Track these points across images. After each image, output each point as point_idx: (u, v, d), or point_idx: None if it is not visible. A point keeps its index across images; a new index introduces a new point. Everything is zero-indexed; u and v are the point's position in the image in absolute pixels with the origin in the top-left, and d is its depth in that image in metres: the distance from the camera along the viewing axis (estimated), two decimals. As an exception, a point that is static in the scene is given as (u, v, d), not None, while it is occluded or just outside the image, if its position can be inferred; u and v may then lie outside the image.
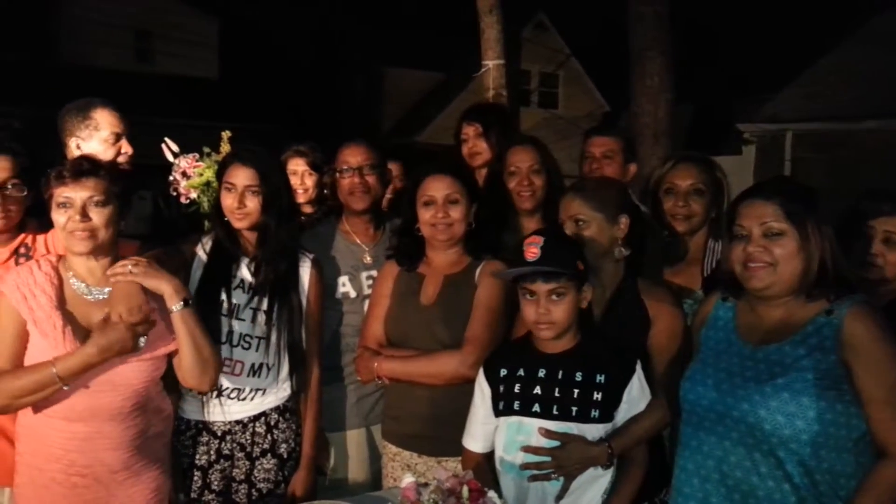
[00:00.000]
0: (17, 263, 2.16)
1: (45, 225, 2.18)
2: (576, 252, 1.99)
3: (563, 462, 1.92)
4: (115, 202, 2.02)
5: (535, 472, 1.94)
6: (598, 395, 1.95)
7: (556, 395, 1.96)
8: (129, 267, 1.97)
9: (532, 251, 1.93)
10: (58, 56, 14.40)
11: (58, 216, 1.98)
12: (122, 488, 2.05)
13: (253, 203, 2.27)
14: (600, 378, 1.96)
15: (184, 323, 2.01)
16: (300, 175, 3.07)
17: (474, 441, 2.09)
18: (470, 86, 15.20)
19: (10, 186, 2.11)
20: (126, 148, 2.64)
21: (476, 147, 3.01)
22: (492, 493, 1.69)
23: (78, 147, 2.60)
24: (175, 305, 2.00)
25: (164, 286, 2.00)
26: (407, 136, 15.76)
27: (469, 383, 2.15)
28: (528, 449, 1.95)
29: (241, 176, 2.28)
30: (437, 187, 2.30)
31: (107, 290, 2.04)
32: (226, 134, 4.15)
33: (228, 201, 2.29)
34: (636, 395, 2.00)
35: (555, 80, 17.17)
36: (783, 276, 1.76)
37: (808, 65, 12.19)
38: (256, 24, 17.23)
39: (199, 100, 13.88)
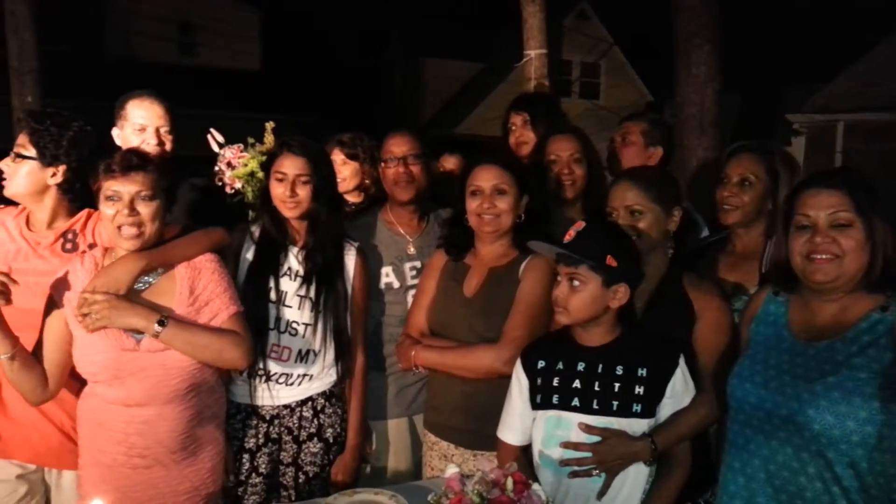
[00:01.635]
0: (63, 249, 2.22)
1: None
2: (610, 247, 1.92)
3: (605, 458, 1.90)
4: (161, 197, 2.05)
5: (576, 468, 1.92)
6: (639, 390, 1.92)
7: (596, 389, 1.93)
8: (96, 305, 1.96)
9: (569, 234, 1.92)
10: (103, 49, 14.73)
11: (106, 209, 2.02)
12: (179, 468, 2.10)
13: (304, 192, 2.31)
14: (642, 372, 1.93)
15: (171, 340, 2.00)
16: (336, 165, 3.09)
17: (511, 433, 2.08)
18: (510, 76, 15.16)
19: None
20: (151, 139, 2.64)
21: (523, 136, 3.01)
22: (536, 486, 1.68)
23: (117, 136, 2.68)
24: (152, 332, 1.98)
25: (133, 320, 1.98)
26: (446, 127, 15.75)
27: (505, 379, 2.15)
28: (567, 444, 1.93)
29: (292, 165, 2.31)
30: (485, 177, 2.28)
31: (149, 279, 2.08)
32: (269, 125, 4.20)
33: (279, 190, 2.32)
34: (680, 390, 1.96)
35: (596, 69, 16.95)
36: (849, 269, 1.70)
37: (861, 53, 11.80)
38: (297, 17, 17.36)
39: (241, 91, 14.07)
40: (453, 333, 2.31)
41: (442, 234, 2.50)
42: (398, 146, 2.63)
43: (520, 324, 2.20)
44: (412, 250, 2.67)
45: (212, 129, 3.12)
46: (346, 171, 3.09)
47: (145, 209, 2.01)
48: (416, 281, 2.59)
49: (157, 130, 2.63)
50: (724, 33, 6.14)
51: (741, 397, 1.83)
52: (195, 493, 2.14)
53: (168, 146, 2.68)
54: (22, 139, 2.16)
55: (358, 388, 2.48)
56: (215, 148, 3.33)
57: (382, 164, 2.67)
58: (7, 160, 2.15)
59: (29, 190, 2.18)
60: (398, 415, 2.65)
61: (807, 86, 12.16)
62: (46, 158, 2.15)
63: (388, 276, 2.64)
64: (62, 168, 2.18)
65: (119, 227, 2.00)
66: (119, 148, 2.55)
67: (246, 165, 3.84)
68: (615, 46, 16.65)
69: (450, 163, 3.48)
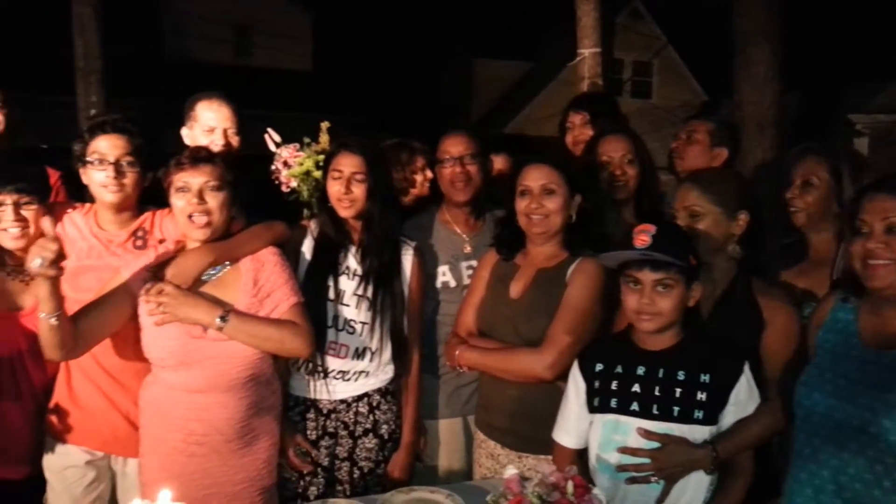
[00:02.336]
0: (134, 246, 2.29)
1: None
2: (688, 245, 1.92)
3: (664, 465, 1.86)
4: (228, 189, 2.13)
5: (634, 474, 1.89)
6: (702, 396, 1.88)
7: (657, 393, 1.90)
8: (164, 297, 2.04)
9: (642, 238, 1.86)
10: (162, 50, 15.12)
11: (176, 200, 2.11)
12: (235, 457, 2.15)
13: (359, 190, 2.33)
14: (705, 378, 1.89)
15: (234, 333, 2.08)
16: None
17: (567, 436, 2.06)
18: (559, 75, 15.04)
19: (124, 164, 2.20)
20: (219, 140, 2.70)
21: (582, 135, 2.98)
22: (597, 490, 1.66)
23: (186, 136, 2.74)
24: (214, 326, 2.06)
25: (196, 315, 2.06)
26: (494, 127, 15.69)
27: (548, 384, 2.15)
28: (625, 450, 1.90)
29: (348, 163, 2.34)
30: (534, 176, 2.26)
31: (215, 272, 2.16)
32: (325, 125, 4.26)
33: (335, 188, 2.35)
34: (744, 398, 1.91)
35: (649, 68, 16.68)
36: None
37: (928, 51, 11.35)
38: (348, 18, 17.55)
39: (293, 92, 14.28)
40: (498, 334, 2.30)
41: (494, 233, 2.49)
42: (454, 146, 2.62)
43: (564, 328, 2.16)
44: (468, 249, 2.67)
45: (269, 129, 3.18)
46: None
47: (213, 199, 2.10)
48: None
49: (225, 132, 2.70)
50: (784, 31, 5.99)
51: (809, 406, 1.78)
52: (250, 484, 2.18)
53: (235, 146, 2.74)
54: (121, 146, 2.21)
55: (413, 386, 2.50)
56: (272, 147, 3.38)
57: (438, 164, 2.67)
58: (109, 169, 2.19)
59: (134, 197, 2.26)
60: (452, 414, 2.65)
61: (868, 85, 11.73)
62: (145, 167, 2.24)
63: (444, 275, 2.64)
64: (150, 174, 2.27)
65: (189, 216, 2.09)
66: (187, 147, 2.63)
67: (301, 164, 3.90)
68: (669, 45, 16.34)
69: (498, 162, 3.46)
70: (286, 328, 2.15)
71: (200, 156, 2.13)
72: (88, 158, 2.20)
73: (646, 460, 1.86)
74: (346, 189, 2.32)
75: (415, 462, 2.56)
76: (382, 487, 2.40)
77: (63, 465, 2.27)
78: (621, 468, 1.90)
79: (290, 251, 2.37)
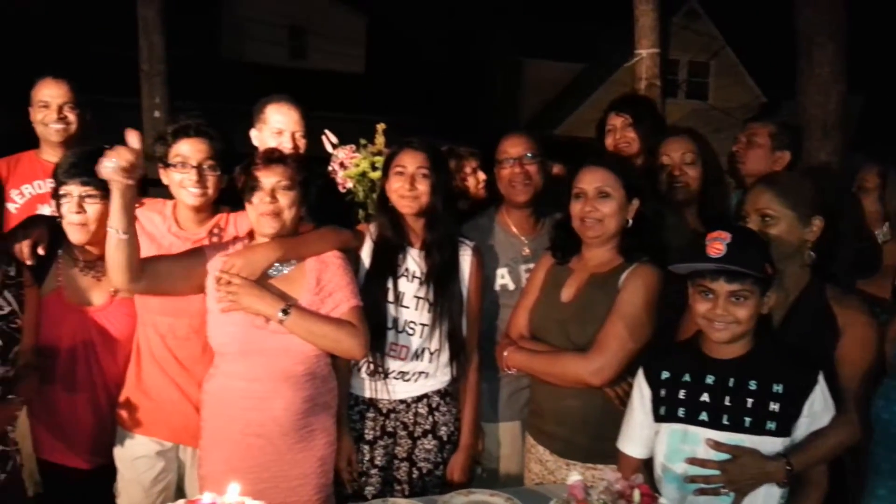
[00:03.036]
0: (210, 243, 2.34)
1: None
2: (764, 253, 1.87)
3: (735, 477, 1.81)
4: (298, 188, 2.20)
5: (703, 485, 1.84)
6: (774, 406, 1.83)
7: (727, 403, 1.85)
8: (232, 286, 2.11)
9: (717, 247, 1.81)
10: (219, 52, 15.45)
11: (250, 198, 2.19)
12: (291, 453, 2.19)
13: (423, 186, 2.34)
14: (777, 388, 1.84)
15: (294, 328, 2.13)
16: None
17: (632, 445, 2.02)
18: (613, 76, 14.86)
19: (205, 167, 2.27)
20: (287, 142, 2.76)
21: (624, 138, 2.93)
22: (663, 500, 1.63)
23: (255, 137, 2.79)
24: (276, 319, 2.11)
25: (260, 306, 2.12)
26: (546, 128, 15.59)
27: (595, 390, 2.12)
28: (694, 461, 1.85)
29: (412, 160, 2.36)
30: (588, 179, 2.23)
31: (282, 269, 2.22)
32: (381, 126, 4.30)
33: (398, 184, 2.36)
34: (819, 409, 1.85)
35: (705, 69, 16.34)
36: None
37: None
38: (401, 19, 17.65)
39: (346, 94, 14.44)
40: (548, 338, 2.28)
41: (550, 236, 2.47)
42: (514, 147, 2.61)
43: (613, 334, 2.12)
44: (528, 252, 2.64)
45: (326, 131, 3.22)
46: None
47: (283, 198, 2.17)
48: (530, 283, 2.56)
49: (293, 134, 2.77)
50: (849, 31, 5.79)
51: (889, 419, 1.72)
52: (306, 481, 2.21)
53: (301, 149, 2.79)
54: (203, 150, 2.27)
55: (472, 388, 2.49)
56: (329, 149, 3.42)
57: (497, 165, 2.65)
58: (192, 173, 2.25)
59: (213, 198, 2.33)
60: (510, 418, 2.63)
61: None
62: (223, 170, 2.31)
63: (503, 277, 2.62)
64: (227, 177, 2.34)
65: (261, 214, 2.16)
66: (256, 148, 2.71)
67: (358, 166, 3.94)
68: (727, 46, 15.96)
69: (556, 165, 3.43)
70: (344, 328, 2.19)
71: (273, 157, 2.21)
72: (171, 161, 2.27)
73: (715, 472, 1.82)
74: (411, 186, 2.34)
75: (474, 465, 2.55)
76: (441, 489, 2.40)
77: (133, 456, 2.33)
78: (690, 479, 1.85)
79: (349, 255, 2.40)
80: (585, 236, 2.25)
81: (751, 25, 15.22)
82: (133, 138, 1.88)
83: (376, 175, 3.89)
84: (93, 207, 2.21)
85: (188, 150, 2.26)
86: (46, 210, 2.50)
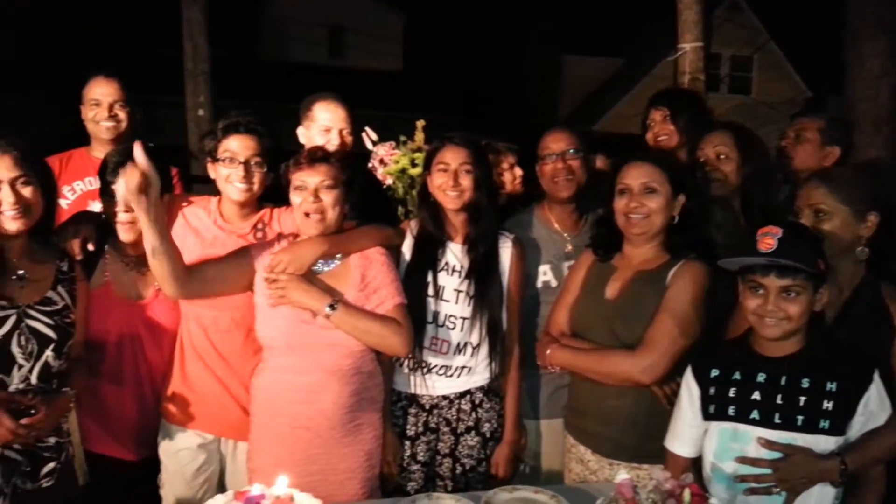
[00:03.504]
0: (255, 238, 2.39)
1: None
2: (817, 249, 1.82)
3: (787, 476, 1.77)
4: (342, 187, 2.21)
5: (754, 484, 1.80)
6: (828, 405, 1.78)
7: (779, 402, 1.81)
8: (279, 281, 2.13)
9: (767, 242, 1.77)
10: (260, 52, 15.64)
11: (294, 197, 2.21)
12: (339, 447, 2.21)
13: (466, 181, 2.35)
14: (831, 386, 1.79)
15: (340, 323, 2.15)
16: None
17: (680, 444, 1.99)
18: (653, 71, 14.65)
19: (253, 163, 2.30)
20: (335, 139, 2.77)
21: (662, 131, 2.88)
22: (714, 500, 1.60)
23: (302, 135, 2.82)
24: (323, 314, 2.14)
25: (307, 300, 2.15)
26: (584, 124, 15.45)
27: (640, 389, 2.09)
28: (744, 460, 1.81)
29: (455, 156, 2.36)
30: (634, 175, 2.19)
31: (326, 266, 2.23)
32: (420, 123, 4.31)
33: (441, 180, 2.36)
34: (874, 408, 1.80)
35: (748, 63, 16.00)
36: None
37: None
38: (439, 17, 17.65)
39: (385, 92, 14.49)
40: (592, 336, 2.25)
41: (591, 233, 2.45)
42: (556, 142, 2.59)
43: (663, 332, 2.09)
44: (570, 249, 2.62)
45: (367, 128, 3.23)
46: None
47: (327, 197, 2.18)
48: (571, 281, 2.54)
49: (341, 132, 2.78)
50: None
51: (949, 421, 1.66)
52: (353, 475, 2.23)
53: (349, 146, 2.81)
54: (251, 147, 2.30)
55: (513, 382, 2.48)
56: (369, 145, 3.44)
57: (540, 161, 2.63)
58: (239, 168, 2.29)
59: (258, 194, 2.37)
60: (553, 415, 2.61)
61: None
62: (270, 167, 2.33)
63: (545, 274, 2.61)
64: (273, 175, 2.35)
65: (305, 213, 2.18)
66: (302, 146, 2.73)
67: (397, 163, 3.97)
68: (771, 41, 15.60)
69: (598, 161, 3.40)
70: (388, 325, 2.21)
71: (317, 156, 2.22)
72: (220, 156, 2.30)
73: (767, 471, 1.78)
74: (455, 182, 2.34)
75: (518, 460, 2.54)
76: (484, 484, 2.39)
77: (176, 448, 2.37)
78: (741, 478, 1.82)
79: (393, 252, 2.41)
80: (630, 233, 2.21)
81: (795, 19, 14.86)
82: (138, 152, 1.87)
83: (416, 171, 3.92)
84: None
85: (237, 146, 2.29)
86: (97, 206, 2.55)
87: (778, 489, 1.79)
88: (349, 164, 2.29)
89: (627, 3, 16.01)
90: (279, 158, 2.34)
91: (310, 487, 1.74)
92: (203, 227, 2.37)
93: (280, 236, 2.32)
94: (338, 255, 2.26)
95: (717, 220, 2.50)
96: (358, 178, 2.32)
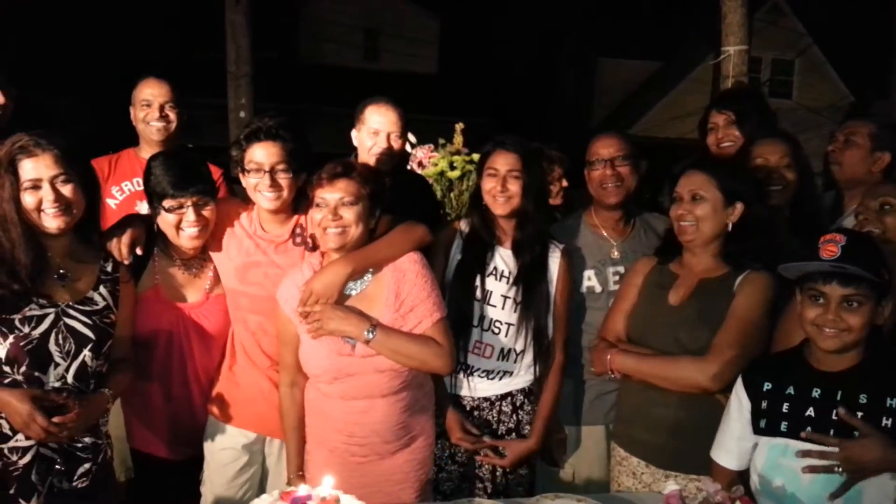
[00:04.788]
0: (294, 243, 2.38)
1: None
2: (881, 258, 1.77)
3: (856, 456, 1.71)
4: (365, 201, 2.15)
5: (814, 462, 1.74)
6: (887, 422, 1.73)
7: (834, 418, 1.76)
8: (315, 315, 2.11)
9: (830, 249, 1.73)
10: (298, 55, 15.79)
11: (315, 214, 2.17)
12: (393, 459, 2.21)
13: (515, 187, 2.33)
14: (892, 402, 1.74)
15: (380, 348, 2.11)
16: None
17: (728, 456, 1.96)
18: (692, 74, 14.46)
19: (278, 170, 2.28)
20: (382, 142, 2.75)
21: (727, 136, 2.79)
22: (767, 515, 1.56)
23: (354, 138, 2.83)
24: (363, 339, 2.10)
25: (346, 328, 2.11)
26: (619, 128, 15.33)
27: (709, 395, 2.04)
28: (812, 435, 1.75)
29: (504, 161, 2.34)
30: (683, 183, 2.20)
31: (357, 286, 2.19)
32: (459, 126, 4.30)
33: (490, 185, 2.35)
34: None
35: (789, 67, 15.72)
36: None
37: None
38: (474, 20, 17.66)
39: (420, 94, 14.52)
40: (654, 342, 2.22)
41: (663, 239, 2.41)
42: (605, 147, 2.56)
43: (732, 340, 2.07)
44: (616, 255, 2.59)
45: (407, 131, 3.22)
46: None
47: (348, 213, 2.12)
48: (618, 287, 2.50)
49: (389, 135, 2.75)
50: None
51: None
52: (407, 484, 2.24)
53: (397, 149, 2.78)
54: (275, 153, 2.27)
55: (553, 384, 2.45)
56: (408, 148, 3.44)
57: (588, 167, 2.60)
58: (265, 177, 2.26)
59: (290, 198, 2.32)
60: (594, 422, 2.59)
61: None
62: (297, 170, 2.30)
63: (590, 279, 2.58)
64: (303, 175, 2.31)
65: (325, 230, 2.13)
66: (355, 149, 2.78)
67: (436, 165, 3.97)
68: (814, 45, 15.29)
69: None
70: (429, 348, 2.16)
71: (336, 172, 2.15)
72: (246, 167, 2.29)
73: (834, 448, 1.73)
74: (503, 187, 2.32)
75: (536, 459, 2.53)
76: (524, 487, 2.39)
77: (221, 446, 2.39)
78: (804, 453, 1.76)
79: (440, 250, 2.41)
80: (681, 240, 2.22)
81: (838, 22, 14.56)
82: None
83: (454, 174, 3.92)
84: (208, 212, 2.27)
85: (261, 154, 2.26)
86: (144, 206, 2.58)
87: (840, 469, 1.73)
88: (373, 177, 2.24)
89: (665, 5, 15.86)
90: (307, 159, 2.32)
91: (364, 497, 1.71)
92: (245, 235, 2.37)
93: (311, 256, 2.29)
94: (369, 271, 2.20)
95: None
96: (384, 190, 2.24)
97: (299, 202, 2.40)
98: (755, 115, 2.81)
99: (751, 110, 2.83)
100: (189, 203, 2.23)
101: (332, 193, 2.12)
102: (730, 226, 2.16)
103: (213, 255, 2.37)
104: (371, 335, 2.09)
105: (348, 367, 2.13)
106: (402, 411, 2.19)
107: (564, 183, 3.26)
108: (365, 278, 2.20)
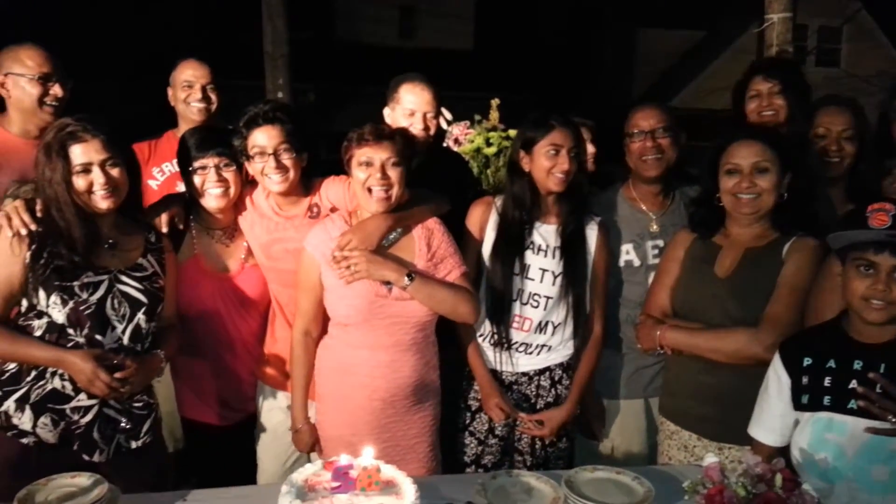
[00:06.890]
0: (309, 217, 2.41)
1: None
2: None
3: None
4: (405, 164, 2.23)
5: (876, 424, 1.69)
6: (932, 393, 1.69)
7: (878, 390, 1.72)
8: (352, 259, 2.16)
9: (881, 218, 1.69)
10: (334, 34, 15.80)
11: (358, 173, 2.20)
12: (410, 413, 2.28)
13: (572, 165, 2.33)
14: (936, 373, 1.70)
15: (417, 292, 2.19)
16: None
17: (768, 434, 1.93)
18: (735, 44, 14.07)
19: (281, 151, 2.33)
20: (418, 123, 2.72)
21: (771, 105, 2.66)
22: (807, 486, 1.55)
23: (387, 116, 2.82)
24: (402, 284, 2.17)
25: (386, 273, 2.17)
26: (661, 100, 15.03)
27: (762, 366, 2.00)
28: (868, 394, 1.70)
29: (565, 138, 2.32)
30: (744, 154, 2.14)
31: (391, 238, 2.26)
32: (495, 102, 4.27)
33: (550, 163, 2.32)
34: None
35: (837, 34, 15.18)
36: None
37: None
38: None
39: (455, 71, 14.41)
40: (702, 315, 2.20)
41: (689, 212, 2.39)
42: (645, 119, 2.52)
43: (784, 308, 2.06)
44: (655, 228, 2.56)
45: (441, 108, 3.20)
46: None
47: (394, 173, 2.19)
48: (657, 261, 2.49)
49: (424, 115, 2.71)
50: None
51: None
52: (421, 440, 2.30)
53: (432, 130, 2.76)
54: (275, 136, 2.32)
55: (591, 356, 2.47)
56: (443, 125, 3.43)
57: (628, 139, 2.57)
58: (270, 160, 2.32)
59: (297, 178, 2.39)
60: (632, 395, 2.59)
61: None
62: (300, 149, 2.36)
63: (628, 253, 2.56)
64: (306, 154, 2.39)
65: (370, 190, 2.18)
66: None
67: (472, 142, 3.96)
68: (863, 10, 14.73)
69: None
70: (460, 293, 2.25)
71: (384, 133, 2.22)
72: (250, 153, 2.34)
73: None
74: (568, 164, 2.31)
75: (575, 432, 2.55)
76: (564, 460, 2.42)
77: (269, 408, 2.48)
78: (863, 407, 1.71)
79: (473, 226, 2.43)
80: (739, 213, 2.18)
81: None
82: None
83: (490, 151, 3.91)
84: (230, 174, 2.36)
85: (262, 139, 2.31)
86: (184, 187, 2.64)
87: None
88: (410, 143, 2.31)
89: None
90: (308, 137, 2.38)
91: (383, 453, 1.79)
92: (268, 213, 2.43)
93: (334, 216, 2.33)
94: (397, 230, 2.28)
95: (819, 199, 2.39)
96: (415, 155, 2.30)
97: (308, 186, 2.45)
98: (799, 86, 2.74)
99: (796, 80, 2.75)
100: (211, 164, 2.33)
101: (378, 153, 2.17)
102: (784, 196, 2.14)
103: (245, 231, 2.44)
104: (410, 281, 2.16)
105: (381, 309, 2.20)
106: (424, 366, 2.28)
107: (592, 149, 3.21)
108: (392, 236, 2.27)
